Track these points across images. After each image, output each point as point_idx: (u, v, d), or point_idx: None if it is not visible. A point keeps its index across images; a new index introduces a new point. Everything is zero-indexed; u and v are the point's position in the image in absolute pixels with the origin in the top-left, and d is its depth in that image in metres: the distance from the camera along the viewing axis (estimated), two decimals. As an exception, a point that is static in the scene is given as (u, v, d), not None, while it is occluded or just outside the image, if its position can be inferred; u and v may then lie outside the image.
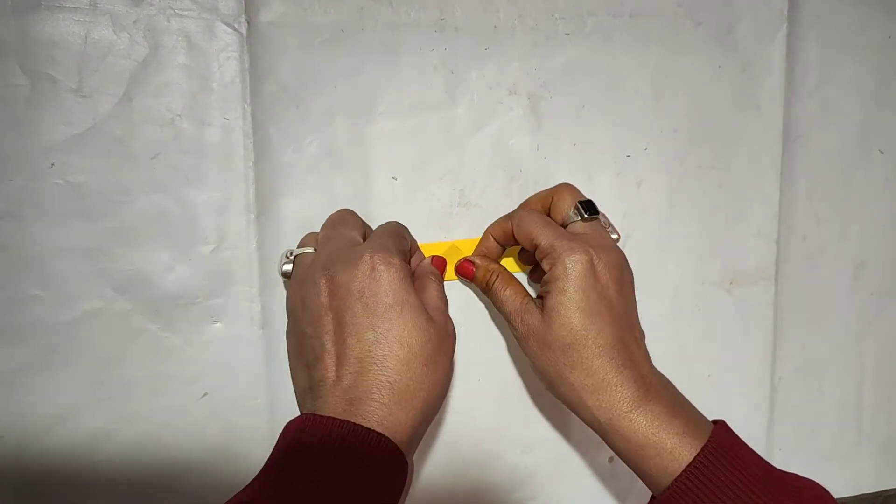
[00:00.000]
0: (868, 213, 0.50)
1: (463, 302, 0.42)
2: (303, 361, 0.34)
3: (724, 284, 0.47)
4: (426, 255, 0.40)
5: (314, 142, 0.39)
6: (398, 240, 0.35)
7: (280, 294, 0.39)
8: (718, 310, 0.47)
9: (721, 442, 0.32)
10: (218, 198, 0.38)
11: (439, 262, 0.39)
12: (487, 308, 0.43)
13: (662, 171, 0.45)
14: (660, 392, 0.34)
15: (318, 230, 0.38)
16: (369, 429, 0.29)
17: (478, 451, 0.44)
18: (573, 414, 0.36)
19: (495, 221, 0.40)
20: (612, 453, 0.36)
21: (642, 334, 0.37)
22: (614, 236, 0.38)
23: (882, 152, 0.49)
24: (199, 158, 0.38)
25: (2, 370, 0.37)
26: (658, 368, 0.36)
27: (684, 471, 0.32)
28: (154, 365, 0.39)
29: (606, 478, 0.47)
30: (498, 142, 0.42)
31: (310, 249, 0.36)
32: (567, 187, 0.39)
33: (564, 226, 0.37)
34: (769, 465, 0.33)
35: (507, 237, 0.39)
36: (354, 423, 0.29)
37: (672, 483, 0.32)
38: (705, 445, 0.32)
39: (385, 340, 0.31)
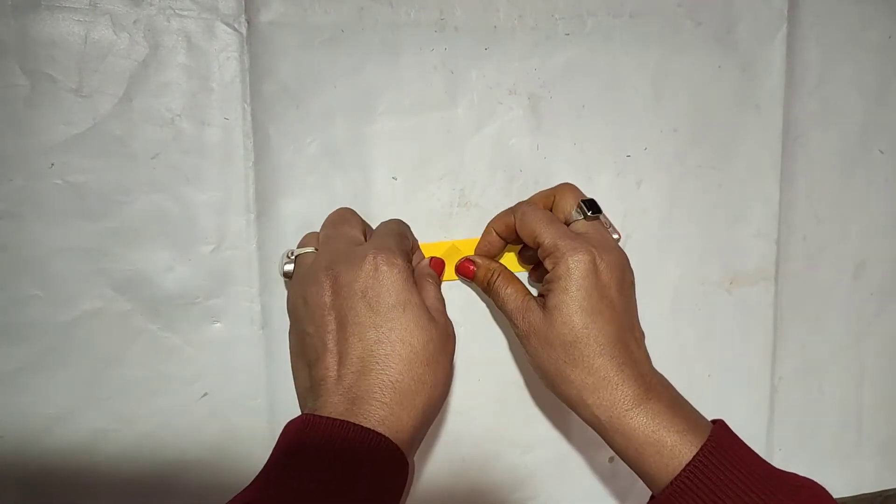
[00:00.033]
0: (868, 213, 0.50)
1: (463, 302, 0.42)
2: (304, 361, 0.34)
3: (724, 284, 0.47)
4: (426, 256, 0.40)
5: (314, 142, 0.39)
6: (401, 239, 0.35)
7: (280, 294, 0.39)
8: (718, 310, 0.47)
9: (721, 441, 0.32)
10: (218, 198, 0.38)
11: (437, 264, 0.39)
12: (487, 308, 0.43)
13: (662, 171, 0.45)
14: (660, 391, 0.34)
15: (318, 230, 0.38)
16: (370, 429, 0.29)
17: (478, 451, 0.44)
18: (573, 414, 0.36)
19: (497, 216, 0.40)
20: (612, 453, 0.36)
21: (642, 334, 0.37)
22: (615, 236, 0.38)
23: (882, 152, 0.49)
24: (199, 158, 0.38)
25: (2, 370, 0.37)
26: (658, 368, 0.36)
27: (684, 469, 0.32)
28: (154, 365, 0.39)
29: (606, 478, 0.47)
30: (498, 142, 0.42)
31: (310, 249, 0.36)
32: (569, 186, 0.39)
33: (566, 224, 0.37)
34: (768, 464, 0.33)
35: (509, 231, 0.39)
36: (354, 424, 0.29)
37: (672, 482, 0.32)
38: (705, 444, 0.32)
39: (387, 340, 0.31)
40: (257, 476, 0.29)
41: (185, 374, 0.39)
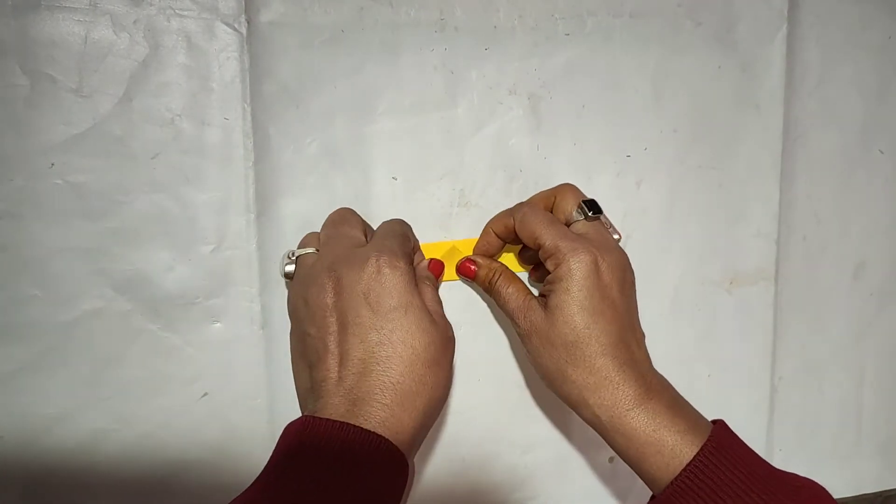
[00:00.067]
0: (868, 213, 0.50)
1: (463, 302, 0.42)
2: (305, 362, 0.34)
3: (724, 284, 0.47)
4: (426, 256, 0.40)
5: (314, 142, 0.39)
6: (403, 241, 0.35)
7: (280, 294, 0.39)
8: (718, 310, 0.47)
9: (721, 441, 0.32)
10: (218, 198, 0.38)
11: (435, 266, 0.39)
12: (487, 309, 0.43)
13: (662, 171, 0.45)
14: (660, 392, 0.34)
15: (318, 230, 0.38)
16: (370, 431, 0.29)
17: (478, 452, 0.44)
18: (573, 414, 0.36)
19: (496, 216, 0.40)
20: (612, 453, 0.36)
21: (643, 335, 0.37)
22: (615, 236, 0.38)
23: (882, 152, 0.49)
24: (199, 158, 0.38)
25: (2, 370, 0.37)
26: (658, 368, 0.36)
27: (685, 469, 0.32)
28: (154, 365, 0.39)
29: (606, 478, 0.47)
30: (498, 142, 0.42)
31: (311, 250, 0.36)
32: (569, 187, 0.39)
33: (567, 225, 0.37)
34: (768, 464, 0.33)
35: (508, 233, 0.39)
36: (354, 426, 0.29)
37: (672, 482, 0.32)
38: (705, 444, 0.32)
39: (389, 341, 0.31)
40: (257, 478, 0.29)
41: (185, 374, 0.39)
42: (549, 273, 0.35)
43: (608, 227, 0.38)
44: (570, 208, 0.38)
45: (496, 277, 0.38)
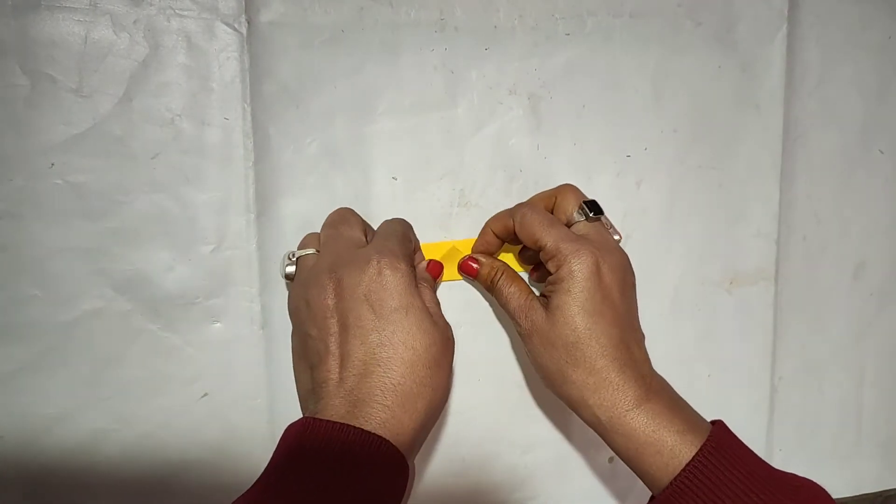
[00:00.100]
0: (868, 213, 0.50)
1: (463, 302, 0.42)
2: (306, 363, 0.34)
3: (724, 284, 0.47)
4: (426, 256, 0.40)
5: (314, 142, 0.39)
6: (404, 242, 0.35)
7: (280, 294, 0.39)
8: (718, 310, 0.47)
9: (720, 441, 0.32)
10: (218, 198, 0.38)
11: (434, 268, 0.39)
12: (487, 309, 0.43)
13: (662, 171, 0.45)
14: (659, 392, 0.34)
15: (318, 230, 0.38)
16: (370, 432, 0.29)
17: (478, 452, 0.44)
18: (574, 414, 0.36)
19: (495, 216, 0.40)
20: (612, 454, 0.36)
21: (643, 336, 0.37)
22: (616, 237, 0.38)
23: (882, 152, 0.49)
24: (199, 158, 0.38)
25: (2, 370, 0.37)
26: (658, 368, 0.36)
27: (684, 469, 0.32)
28: (154, 365, 0.39)
29: (606, 478, 0.47)
30: (498, 142, 0.42)
31: (311, 251, 0.36)
32: (570, 188, 0.39)
33: (568, 226, 0.37)
34: (767, 464, 0.33)
35: (507, 233, 0.39)
36: (355, 427, 0.29)
37: (672, 482, 0.32)
38: (705, 444, 0.32)
39: (390, 343, 0.31)
40: (258, 479, 0.29)
41: (185, 374, 0.39)
42: (550, 274, 0.35)
43: (609, 228, 0.38)
44: (571, 209, 0.38)
45: (498, 276, 0.38)
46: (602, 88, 0.43)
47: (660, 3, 0.43)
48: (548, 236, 0.35)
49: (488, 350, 0.43)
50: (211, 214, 0.38)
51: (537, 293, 0.37)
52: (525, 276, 0.43)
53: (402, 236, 0.36)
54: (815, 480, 0.33)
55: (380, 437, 0.29)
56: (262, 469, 0.30)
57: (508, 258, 0.42)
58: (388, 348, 0.31)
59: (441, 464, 0.43)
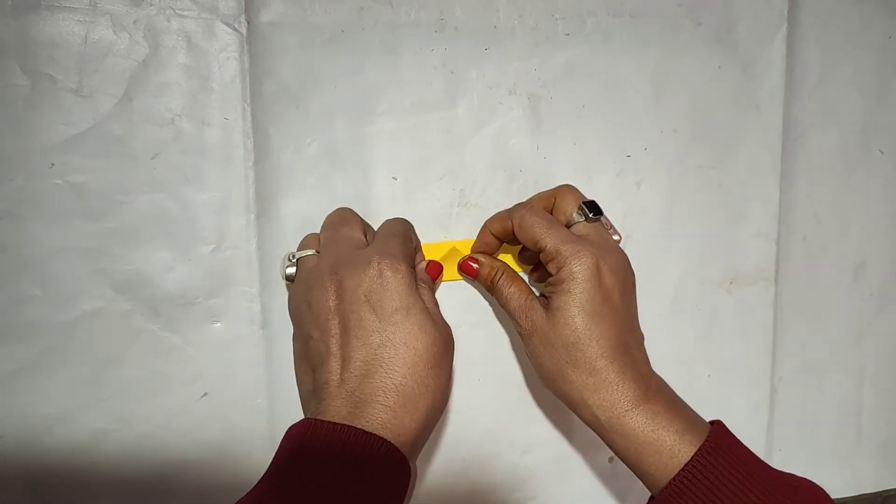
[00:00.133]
0: (868, 213, 0.50)
1: (463, 302, 0.42)
2: (308, 365, 0.34)
3: (724, 284, 0.47)
4: (426, 257, 0.40)
5: (314, 142, 0.39)
6: (404, 242, 0.35)
7: (280, 294, 0.39)
8: (718, 310, 0.47)
9: (719, 441, 0.32)
10: (218, 198, 0.38)
11: (433, 268, 0.39)
12: (487, 309, 0.43)
13: (662, 171, 0.45)
14: (658, 393, 0.34)
15: (318, 230, 0.38)
16: (371, 433, 0.29)
17: (478, 452, 0.44)
18: (573, 414, 0.36)
19: (494, 216, 0.40)
20: (612, 453, 0.36)
21: (642, 337, 0.37)
22: (616, 237, 0.38)
23: (882, 152, 0.49)
24: (199, 158, 0.38)
25: (2, 370, 0.37)
26: (658, 368, 0.36)
27: (683, 469, 0.32)
28: (154, 365, 0.39)
29: (606, 478, 0.47)
30: (498, 142, 0.42)
31: (311, 252, 0.36)
32: (569, 188, 0.39)
33: (567, 226, 0.37)
34: (766, 464, 0.33)
35: (505, 234, 0.39)
36: (356, 428, 0.29)
37: (671, 481, 0.32)
38: (703, 444, 0.32)
39: (391, 343, 0.31)
40: (259, 481, 0.29)
41: (185, 374, 0.39)
42: (550, 274, 0.35)
43: (608, 229, 0.38)
44: (571, 210, 0.38)
45: (498, 276, 0.38)
46: (602, 88, 0.43)
47: (660, 3, 0.43)
48: (548, 238, 0.35)
49: (488, 350, 0.43)
50: (211, 214, 0.38)
51: (537, 293, 0.37)
52: (524, 276, 0.43)
53: (402, 237, 0.36)
54: (814, 480, 0.33)
55: (381, 437, 0.29)
56: (262, 469, 0.30)
57: (507, 258, 0.42)
58: (389, 349, 0.31)
59: (441, 464, 0.43)
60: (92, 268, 0.37)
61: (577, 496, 0.46)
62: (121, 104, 0.36)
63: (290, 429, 0.31)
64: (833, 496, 0.33)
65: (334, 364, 0.32)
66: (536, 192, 0.41)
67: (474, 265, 0.40)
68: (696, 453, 0.32)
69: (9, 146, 0.35)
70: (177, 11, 0.36)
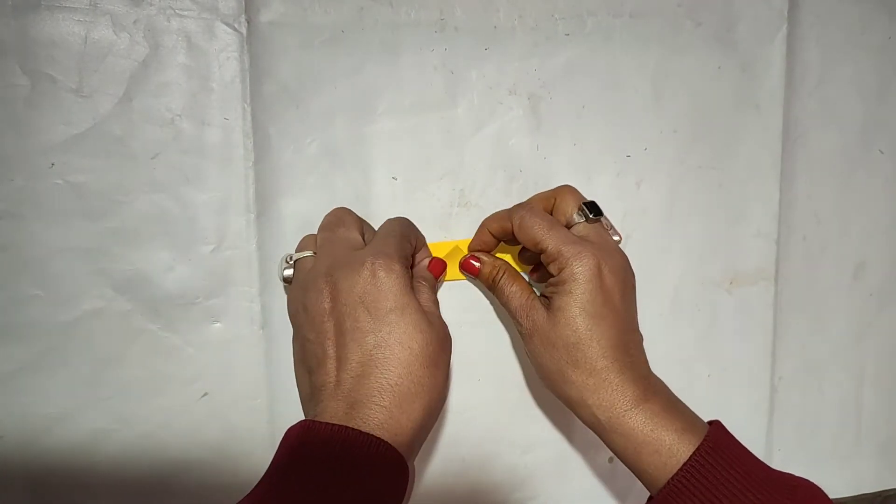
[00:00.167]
0: (868, 213, 0.50)
1: (463, 302, 0.42)
2: (306, 367, 0.34)
3: (724, 284, 0.47)
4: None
5: (314, 142, 0.39)
6: (401, 242, 0.35)
7: (280, 294, 0.39)
8: (718, 310, 0.47)
9: (717, 441, 0.32)
10: (218, 198, 0.38)
11: (436, 266, 0.39)
12: (487, 309, 0.43)
13: (662, 171, 0.45)
14: (657, 393, 0.34)
15: (316, 231, 0.38)
16: (368, 433, 0.29)
17: (478, 452, 0.44)
18: (573, 414, 0.36)
19: (493, 216, 0.40)
20: (612, 453, 0.36)
21: (641, 337, 0.37)
22: (616, 238, 0.38)
23: (882, 152, 0.49)
24: (199, 158, 0.38)
25: (2, 370, 0.37)
26: (658, 369, 0.36)
27: (681, 468, 0.32)
28: (154, 365, 0.39)
29: (606, 478, 0.47)
30: (498, 142, 0.42)
31: (309, 253, 0.36)
32: (569, 189, 0.39)
33: (567, 227, 0.37)
34: (765, 464, 0.33)
35: (504, 233, 0.39)
36: (353, 429, 0.29)
37: (669, 481, 0.32)
38: (702, 444, 0.32)
39: (386, 343, 0.31)
40: (258, 482, 0.29)
41: (185, 374, 0.39)
42: (551, 275, 0.36)
43: (608, 229, 0.38)
44: (571, 210, 0.38)
45: (500, 275, 0.38)
46: (602, 88, 0.43)
47: (660, 3, 0.43)
48: (549, 239, 0.35)
49: (488, 350, 0.43)
50: (211, 214, 0.38)
51: (538, 293, 0.37)
52: (524, 276, 0.43)
53: (400, 236, 0.36)
54: (814, 481, 0.33)
55: (377, 438, 0.29)
56: (262, 469, 0.30)
57: (507, 259, 0.42)
58: (384, 349, 0.31)
59: (441, 464, 0.43)
60: (92, 268, 0.37)
61: (577, 496, 0.46)
62: (121, 104, 0.36)
63: (288, 430, 0.31)
64: (833, 496, 0.33)
65: (330, 366, 0.32)
66: (536, 193, 0.41)
67: (476, 264, 0.40)
68: (694, 453, 0.32)
69: (9, 146, 0.35)
70: (177, 11, 0.36)
